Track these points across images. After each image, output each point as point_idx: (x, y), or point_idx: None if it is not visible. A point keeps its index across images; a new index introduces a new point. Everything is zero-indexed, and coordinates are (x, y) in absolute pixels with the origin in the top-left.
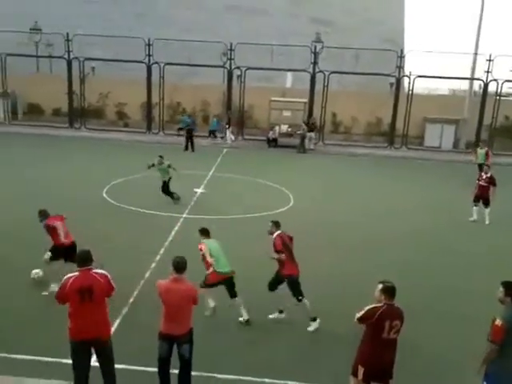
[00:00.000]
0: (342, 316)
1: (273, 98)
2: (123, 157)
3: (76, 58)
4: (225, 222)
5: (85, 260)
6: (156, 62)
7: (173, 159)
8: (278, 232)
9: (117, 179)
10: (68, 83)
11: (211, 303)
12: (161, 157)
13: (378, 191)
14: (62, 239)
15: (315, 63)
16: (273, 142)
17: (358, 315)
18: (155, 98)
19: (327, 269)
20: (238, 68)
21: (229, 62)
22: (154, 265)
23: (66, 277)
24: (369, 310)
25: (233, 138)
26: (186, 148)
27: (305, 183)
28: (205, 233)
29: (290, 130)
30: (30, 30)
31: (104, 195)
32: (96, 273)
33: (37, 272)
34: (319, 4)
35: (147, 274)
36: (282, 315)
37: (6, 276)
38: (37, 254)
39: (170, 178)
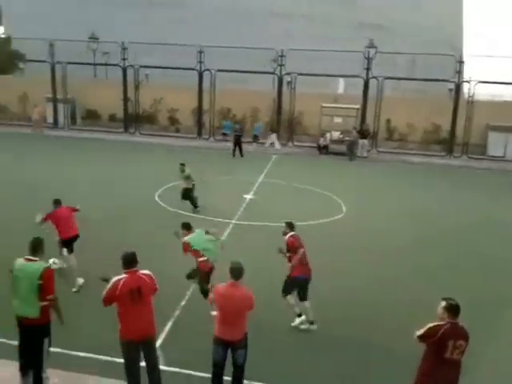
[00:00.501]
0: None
1: (324, 104)
2: (175, 161)
3: (131, 65)
4: (274, 230)
5: (131, 262)
6: (207, 69)
7: (222, 164)
8: (292, 233)
9: (169, 183)
10: (123, 90)
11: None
12: (182, 164)
13: (435, 202)
14: (65, 232)
15: (368, 69)
16: (324, 149)
17: (419, 333)
18: (206, 104)
19: (384, 278)
20: (289, 74)
21: (279, 68)
22: None
23: (114, 279)
24: (430, 327)
25: (277, 144)
26: (234, 154)
27: (357, 191)
28: (187, 227)
29: (341, 136)
30: (89, 39)
31: (156, 198)
32: (143, 273)
33: (52, 261)
34: (373, 8)
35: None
36: (314, 326)
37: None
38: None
39: (193, 185)
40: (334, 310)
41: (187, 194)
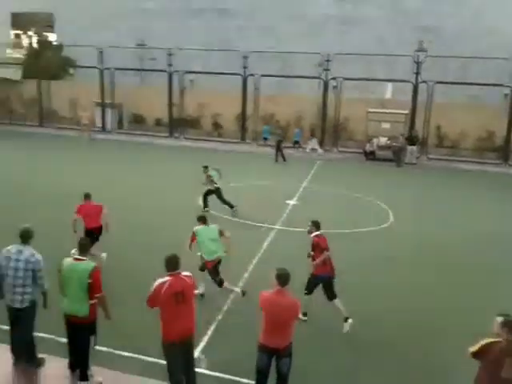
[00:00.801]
0: None
1: (371, 110)
2: (218, 166)
3: (177, 71)
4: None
5: (174, 264)
6: (252, 74)
7: (264, 170)
8: (317, 233)
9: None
10: (168, 95)
11: (201, 289)
12: (205, 167)
13: (488, 213)
14: (89, 223)
15: (418, 73)
16: (370, 155)
17: (472, 349)
18: (250, 110)
19: (427, 292)
20: (334, 79)
21: (325, 72)
22: (246, 275)
23: (157, 283)
24: (485, 344)
25: (318, 148)
26: (277, 159)
27: (405, 199)
28: (201, 220)
29: (389, 142)
30: (136, 45)
31: (200, 202)
32: (185, 275)
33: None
34: (423, 10)
35: (240, 283)
36: (350, 321)
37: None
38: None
39: (218, 188)
40: (381, 317)
41: (207, 195)
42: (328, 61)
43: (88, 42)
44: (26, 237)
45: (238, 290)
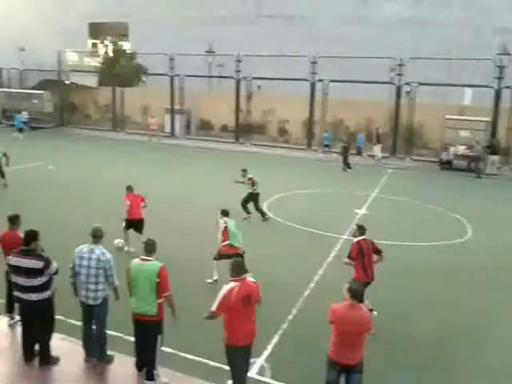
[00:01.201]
0: None
1: (448, 116)
2: (284, 172)
3: (244, 77)
4: (388, 248)
5: (241, 269)
6: (320, 79)
7: (331, 177)
8: (360, 238)
9: (277, 194)
10: (235, 101)
11: (215, 276)
12: (244, 170)
13: None
14: (131, 214)
15: (501, 78)
16: (446, 164)
17: None
18: (318, 115)
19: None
20: (408, 84)
21: (397, 77)
22: (312, 285)
23: (226, 288)
24: None
25: (379, 155)
26: (345, 167)
27: (484, 212)
28: (225, 213)
29: (467, 151)
30: (205, 52)
31: (265, 209)
32: (251, 281)
33: (118, 242)
34: (504, 11)
35: (306, 293)
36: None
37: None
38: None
39: (258, 194)
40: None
41: (248, 200)
42: (401, 65)
43: (159, 50)
44: (97, 236)
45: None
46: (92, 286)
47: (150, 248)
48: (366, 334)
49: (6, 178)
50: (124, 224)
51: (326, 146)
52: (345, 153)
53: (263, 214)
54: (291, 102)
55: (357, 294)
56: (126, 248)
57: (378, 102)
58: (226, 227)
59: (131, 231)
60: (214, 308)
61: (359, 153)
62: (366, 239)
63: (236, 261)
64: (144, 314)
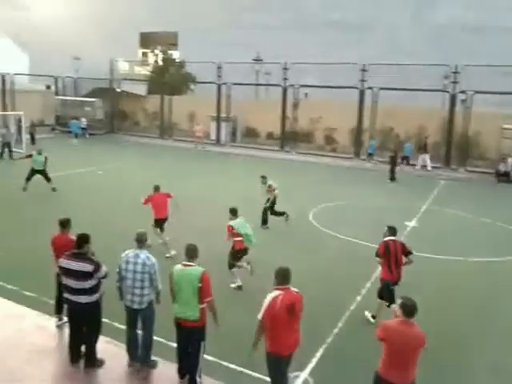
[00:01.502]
0: None
1: (505, 126)
2: (330, 182)
3: (291, 85)
4: (438, 262)
5: (286, 278)
6: (370, 87)
7: (379, 187)
8: (388, 238)
9: (323, 203)
10: (282, 109)
11: (238, 281)
12: (263, 177)
13: None
14: (157, 214)
15: None
16: (504, 176)
17: None
18: (366, 123)
19: None
20: (464, 92)
21: (452, 85)
22: (359, 298)
23: (270, 296)
24: None
25: (429, 165)
26: (392, 177)
27: None
28: (233, 212)
29: None
30: (253, 60)
31: (310, 219)
32: (295, 291)
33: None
34: None
35: (352, 306)
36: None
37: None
38: None
39: (274, 198)
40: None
41: (272, 206)
42: (456, 73)
43: (207, 58)
44: (141, 241)
45: (247, 266)
46: (137, 291)
47: (191, 253)
48: (420, 352)
49: (52, 182)
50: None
51: (370, 154)
52: (392, 163)
53: (281, 214)
54: (339, 110)
55: (410, 311)
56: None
57: (431, 110)
58: (232, 228)
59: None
60: (260, 316)
61: (407, 162)
62: (396, 240)
63: (282, 269)
64: (187, 319)
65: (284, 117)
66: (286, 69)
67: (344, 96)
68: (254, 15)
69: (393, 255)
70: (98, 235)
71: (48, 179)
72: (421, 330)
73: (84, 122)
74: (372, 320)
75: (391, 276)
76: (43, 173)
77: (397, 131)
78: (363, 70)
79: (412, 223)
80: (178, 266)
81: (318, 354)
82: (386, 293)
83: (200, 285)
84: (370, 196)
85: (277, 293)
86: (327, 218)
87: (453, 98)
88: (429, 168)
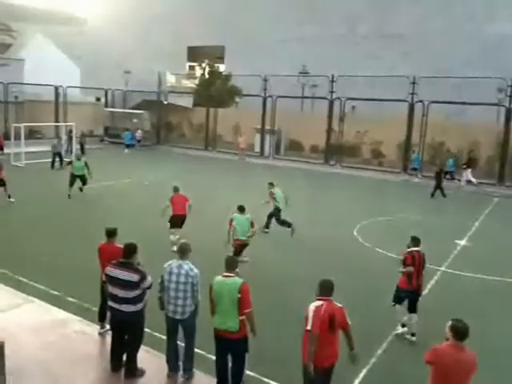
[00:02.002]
0: None
1: None
2: (377, 196)
3: (338, 98)
4: (489, 284)
5: (329, 289)
6: (420, 100)
7: (428, 203)
8: (412, 249)
9: (371, 218)
10: (328, 122)
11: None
12: (271, 184)
13: None
14: (174, 211)
15: None
16: None
17: None
18: (415, 138)
19: None
20: None
21: (508, 98)
22: (405, 317)
23: (314, 306)
24: None
25: (474, 181)
26: (443, 194)
27: None
28: (240, 209)
29: None
30: (299, 73)
31: (354, 233)
32: (337, 305)
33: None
34: None
35: (399, 325)
36: (414, 338)
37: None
38: None
39: (277, 209)
40: None
41: (274, 215)
42: None
43: (253, 71)
44: (184, 252)
45: (246, 259)
46: (180, 301)
47: (231, 264)
48: (471, 378)
49: (85, 186)
50: (169, 223)
51: (414, 169)
52: (437, 178)
53: (287, 224)
54: (386, 123)
55: (461, 333)
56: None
57: (485, 125)
58: (231, 221)
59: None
60: (309, 327)
61: (451, 177)
62: (420, 251)
63: (325, 281)
64: (227, 331)
65: (330, 130)
66: (332, 81)
67: (392, 109)
68: (302, 28)
69: (417, 266)
70: (142, 245)
71: (84, 183)
72: (474, 353)
73: (139, 134)
74: (413, 338)
75: (409, 286)
76: (83, 177)
77: (448, 146)
78: (413, 83)
79: (463, 242)
80: (219, 277)
81: (361, 375)
82: (394, 294)
83: (239, 296)
84: (417, 211)
85: (319, 303)
86: (372, 234)
87: (508, 112)
88: (474, 182)
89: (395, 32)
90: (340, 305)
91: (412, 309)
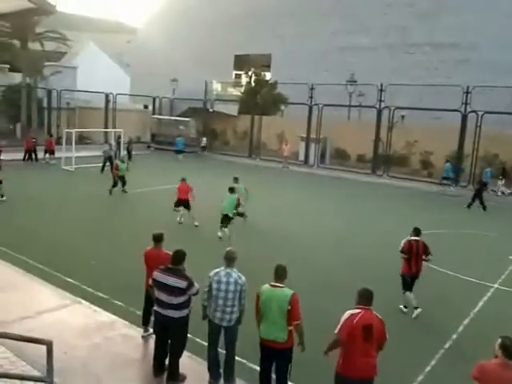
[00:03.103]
0: None
1: None
2: (424, 208)
3: (386, 107)
4: None
5: (368, 299)
6: (473, 111)
7: (477, 217)
8: (411, 238)
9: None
10: (376, 131)
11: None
12: (236, 178)
13: None
14: (179, 195)
15: None
16: None
17: None
18: (468, 149)
19: None
20: None
21: None
22: (455, 336)
23: (348, 313)
24: None
25: (506, 191)
26: (471, 205)
27: None
28: (230, 190)
29: None
30: (346, 82)
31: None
32: (376, 315)
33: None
34: None
35: (447, 344)
36: (419, 310)
37: None
38: None
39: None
40: None
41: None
42: None
43: (299, 79)
44: (231, 259)
45: (227, 233)
46: (229, 309)
47: (281, 274)
48: None
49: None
50: (174, 204)
51: (445, 178)
52: (478, 190)
53: (241, 215)
54: (437, 134)
55: (510, 352)
56: (180, 219)
57: None
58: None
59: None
60: (337, 330)
61: (485, 188)
62: (419, 240)
63: (365, 290)
64: (274, 341)
65: (377, 139)
66: (381, 90)
67: (444, 120)
68: (349, 37)
69: (414, 253)
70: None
71: (124, 183)
72: None
73: (204, 140)
74: (404, 309)
75: (410, 271)
76: (123, 178)
77: (502, 158)
78: (466, 93)
79: None
80: (267, 287)
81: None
82: (403, 283)
83: (289, 307)
84: (466, 225)
85: (356, 311)
86: None
87: None
88: (505, 193)
89: (448, 40)
90: (380, 316)
91: (410, 289)
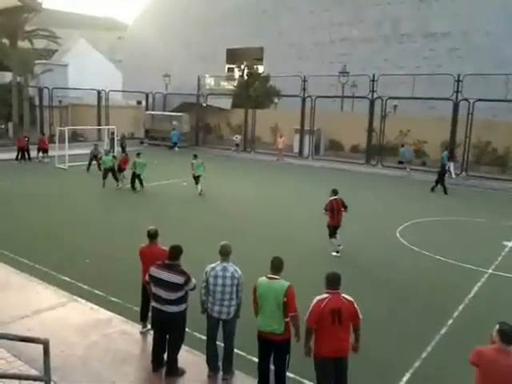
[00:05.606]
0: None
1: None
2: (418, 197)
3: (379, 97)
4: None
5: (335, 283)
6: (465, 99)
7: (473, 203)
8: (332, 198)
9: (411, 220)
10: (369, 121)
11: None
12: (195, 155)
13: None
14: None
15: None
16: None
17: None
18: (460, 137)
19: None
20: None
21: None
22: (450, 321)
23: (316, 299)
24: None
25: (455, 172)
26: (442, 190)
27: None
28: (195, 156)
29: None
30: (339, 73)
31: (397, 235)
32: (345, 298)
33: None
34: None
35: (443, 330)
36: (340, 247)
37: None
38: None
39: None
40: None
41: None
42: None
43: (292, 71)
44: (226, 253)
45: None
46: (227, 302)
47: (277, 266)
48: None
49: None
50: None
51: (401, 162)
52: (439, 174)
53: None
54: (430, 123)
55: (509, 337)
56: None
57: None
58: (192, 165)
59: None
60: (305, 318)
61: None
62: (337, 198)
63: (331, 274)
64: (272, 333)
65: (370, 130)
66: (373, 81)
67: (436, 108)
68: (341, 28)
69: (335, 209)
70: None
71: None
72: None
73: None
74: (337, 254)
75: (333, 221)
76: (113, 171)
77: (494, 145)
78: (458, 81)
79: (511, 243)
80: (263, 279)
81: (405, 379)
82: (329, 232)
83: (285, 299)
84: (460, 212)
85: (323, 296)
86: (415, 236)
87: None
88: (453, 176)
89: (440, 30)
90: (350, 298)
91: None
